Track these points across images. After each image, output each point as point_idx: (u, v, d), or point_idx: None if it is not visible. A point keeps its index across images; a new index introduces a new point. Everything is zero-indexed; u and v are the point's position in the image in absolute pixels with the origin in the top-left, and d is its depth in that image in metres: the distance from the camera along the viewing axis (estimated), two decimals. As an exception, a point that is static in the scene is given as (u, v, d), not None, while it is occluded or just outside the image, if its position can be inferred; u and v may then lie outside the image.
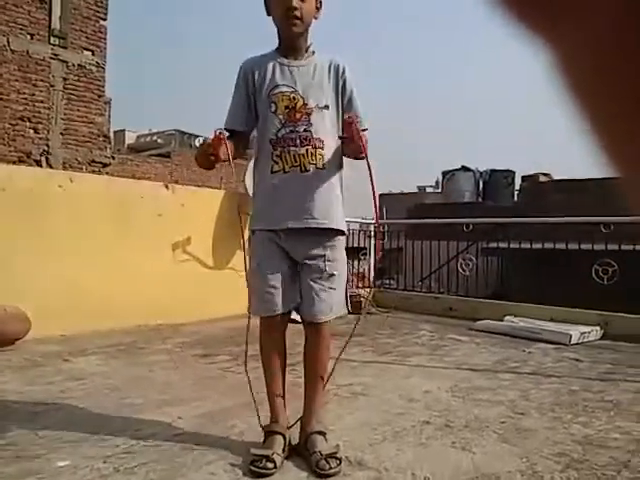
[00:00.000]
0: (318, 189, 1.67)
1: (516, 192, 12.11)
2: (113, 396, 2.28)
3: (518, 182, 12.28)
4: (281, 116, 1.67)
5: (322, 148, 1.67)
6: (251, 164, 4.78)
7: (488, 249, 6.99)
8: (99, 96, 8.73)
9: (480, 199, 12.30)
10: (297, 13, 1.62)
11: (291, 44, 1.72)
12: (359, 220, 6.14)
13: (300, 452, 1.67)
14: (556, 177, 11.33)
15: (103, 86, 8.77)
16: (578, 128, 0.20)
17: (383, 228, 6.79)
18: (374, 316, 4.83)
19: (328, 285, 1.70)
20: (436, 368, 2.96)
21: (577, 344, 3.70)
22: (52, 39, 8.11)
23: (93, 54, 8.61)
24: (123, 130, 21.48)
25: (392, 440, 1.83)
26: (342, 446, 1.71)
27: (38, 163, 7.81)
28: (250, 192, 4.61)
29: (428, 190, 20.30)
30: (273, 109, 1.68)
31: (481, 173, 12.65)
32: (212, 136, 1.57)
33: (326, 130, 1.68)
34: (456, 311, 4.91)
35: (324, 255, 1.70)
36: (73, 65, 8.33)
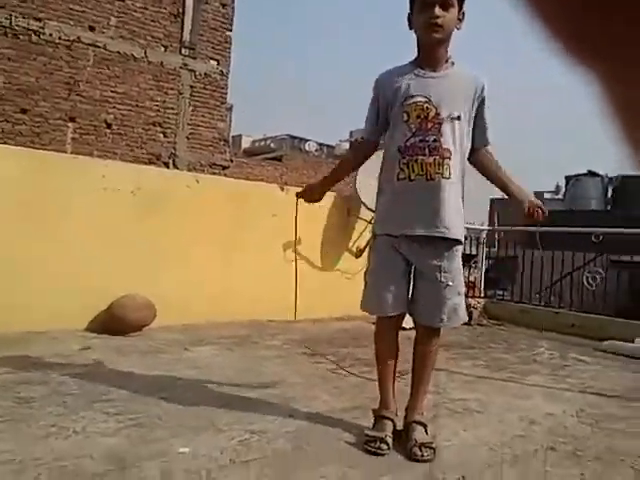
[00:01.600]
0: (442, 198, 1.70)
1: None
2: (228, 387, 2.37)
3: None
4: (412, 125, 1.71)
5: (450, 158, 1.70)
6: (362, 168, 4.81)
7: (618, 262, 6.36)
8: (222, 103, 9.28)
9: (609, 207, 11.26)
10: (439, 21, 1.65)
11: (431, 53, 1.74)
12: (472, 226, 5.89)
13: (401, 438, 1.78)
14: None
15: (226, 93, 9.31)
16: None
17: (498, 235, 6.45)
18: (486, 328, 4.59)
19: (443, 295, 1.76)
20: (558, 390, 2.73)
21: None
22: (183, 50, 8.76)
23: (218, 63, 9.17)
24: (240, 135, 22.66)
25: (512, 464, 1.70)
26: (460, 464, 1.63)
27: (166, 165, 8.47)
28: (361, 196, 4.63)
29: (546, 196, 19.00)
30: (405, 118, 1.73)
31: (610, 179, 11.59)
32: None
33: (455, 141, 1.71)
34: (579, 328, 4.51)
35: (440, 265, 1.75)
36: (200, 74, 8.94)
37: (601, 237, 4.92)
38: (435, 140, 1.69)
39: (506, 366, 3.21)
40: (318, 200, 2.08)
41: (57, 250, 3.35)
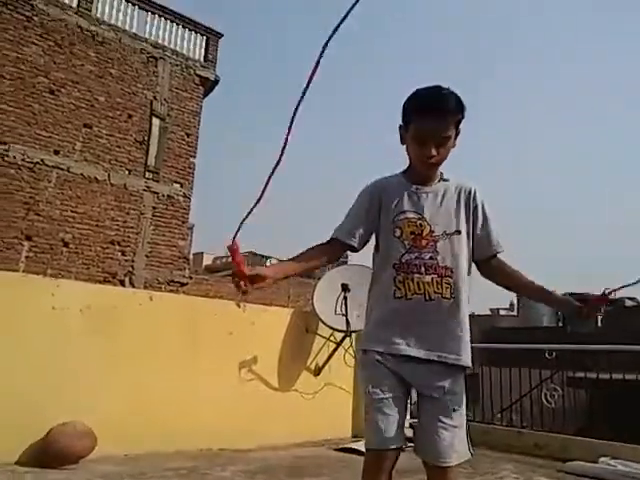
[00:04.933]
0: (442, 320, 1.58)
1: (599, 317, 11.33)
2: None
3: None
4: (406, 242, 1.61)
5: (450, 277, 1.59)
6: (320, 284, 4.88)
7: (574, 379, 6.40)
8: (183, 222, 9.49)
9: (560, 324, 11.59)
10: (434, 160, 1.60)
11: (423, 177, 1.68)
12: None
13: None
14: (644, 301, 10.57)
15: (188, 214, 9.56)
16: None
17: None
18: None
19: (450, 423, 1.54)
20: (523, 516, 2.59)
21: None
22: (147, 174, 9.10)
23: (181, 186, 9.52)
24: (202, 253, 22.86)
25: None
26: None
27: (122, 282, 8.35)
28: (319, 312, 4.63)
29: (502, 312, 19.48)
30: (398, 234, 1.63)
31: (559, 296, 12.07)
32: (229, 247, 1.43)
33: (455, 258, 1.61)
34: (543, 449, 4.40)
35: (444, 387, 1.56)
36: (163, 196, 9.22)
37: (554, 354, 5.01)
38: (431, 258, 1.59)
39: (469, 492, 3.06)
40: (263, 280, 1.50)
41: (-7, 373, 3.14)
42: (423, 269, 1.58)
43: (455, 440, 1.53)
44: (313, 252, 1.67)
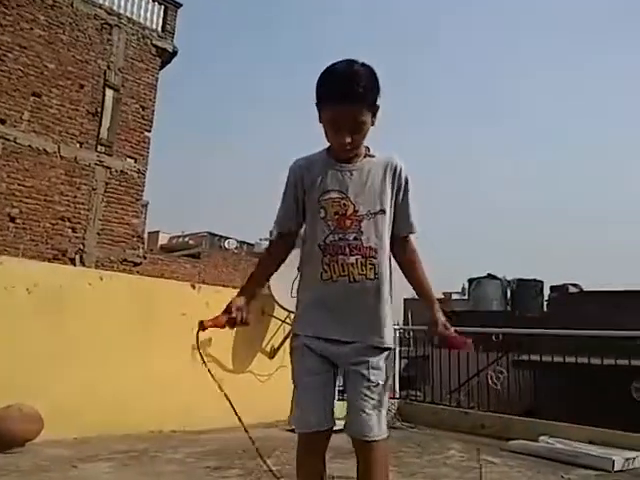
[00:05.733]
0: (367, 302, 1.58)
1: (545, 302, 11.85)
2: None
3: (547, 292, 12.08)
4: (330, 222, 1.58)
5: (374, 257, 1.57)
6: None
7: (519, 361, 6.69)
8: (137, 199, 9.22)
9: (509, 308, 12.05)
10: (349, 146, 1.57)
11: (343, 156, 1.64)
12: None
13: None
14: (586, 288, 11.11)
15: (142, 191, 9.29)
16: None
17: (408, 334, 6.62)
18: (400, 431, 4.55)
19: (375, 397, 1.55)
20: (467, 494, 2.71)
21: (621, 471, 3.37)
22: (99, 147, 8.76)
23: (135, 161, 9.23)
24: (157, 231, 22.36)
25: None
26: None
27: (72, 261, 8.08)
28: (275, 294, 4.63)
29: (455, 297, 20.06)
30: (322, 215, 1.60)
31: (509, 282, 12.53)
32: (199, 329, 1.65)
33: (379, 237, 1.59)
34: (488, 428, 4.59)
35: (368, 362, 1.56)
36: (116, 171, 8.91)
37: (500, 336, 5.21)
38: (355, 238, 1.56)
39: (417, 471, 3.17)
40: (242, 322, 1.63)
41: None
42: (347, 250, 1.56)
43: (380, 416, 1.55)
44: (270, 259, 1.73)
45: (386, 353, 1.61)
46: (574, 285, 11.35)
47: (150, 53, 9.83)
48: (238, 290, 1.71)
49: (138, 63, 9.61)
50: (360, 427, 1.53)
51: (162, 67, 10.15)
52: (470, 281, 13.41)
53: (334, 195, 1.59)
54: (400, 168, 1.65)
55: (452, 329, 1.64)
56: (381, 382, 1.56)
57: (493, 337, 5.25)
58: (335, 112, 1.53)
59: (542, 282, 12.29)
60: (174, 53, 10.28)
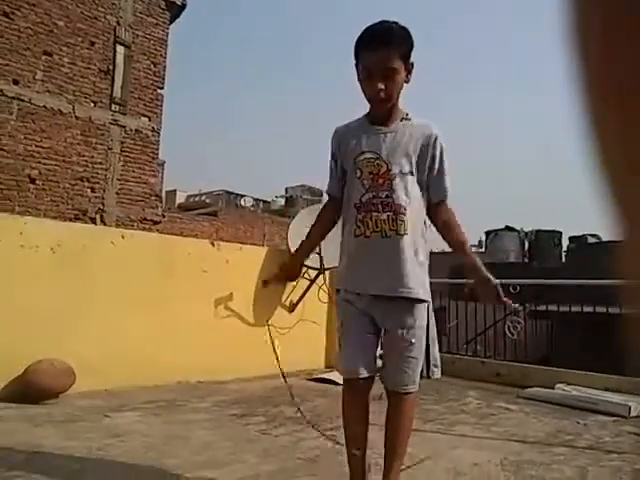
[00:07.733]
0: (398, 256, 1.65)
1: (564, 253, 11.76)
2: (150, 455, 2.25)
3: (565, 243, 11.96)
4: (365, 181, 1.69)
5: (404, 214, 1.65)
6: (294, 222, 4.89)
7: (537, 312, 6.72)
8: (153, 158, 9.22)
9: (526, 260, 11.99)
10: (383, 94, 1.63)
11: (380, 114, 1.72)
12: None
13: None
14: (605, 239, 10.96)
15: (157, 149, 9.27)
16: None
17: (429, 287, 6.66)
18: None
19: (409, 354, 1.68)
20: (484, 439, 2.80)
21: (637, 417, 3.43)
22: (113, 106, 8.72)
23: (149, 120, 9.17)
24: (174, 190, 22.48)
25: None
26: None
27: (93, 220, 8.20)
28: (292, 248, 4.68)
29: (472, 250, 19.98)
30: (358, 175, 1.70)
31: (526, 233, 12.41)
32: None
33: (409, 196, 1.67)
34: (504, 377, 4.68)
35: (404, 321, 1.67)
36: (130, 130, 8.88)
37: (518, 288, 5.22)
38: (387, 196, 1.65)
39: (435, 417, 3.26)
40: (297, 277, 1.91)
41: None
42: (380, 207, 1.66)
43: (414, 371, 1.69)
44: (321, 221, 1.87)
45: (420, 306, 1.70)
46: (593, 235, 11.21)
47: (159, 7, 9.58)
48: (295, 248, 1.97)
49: (147, 18, 9.40)
50: (394, 381, 1.69)
51: (172, 21, 9.92)
52: (487, 233, 13.32)
53: (369, 155, 1.70)
54: (436, 136, 1.73)
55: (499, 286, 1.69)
56: (414, 340, 1.68)
57: (510, 288, 5.25)
58: (368, 59, 1.63)
59: (561, 233, 12.17)
60: (183, 6, 10.01)
